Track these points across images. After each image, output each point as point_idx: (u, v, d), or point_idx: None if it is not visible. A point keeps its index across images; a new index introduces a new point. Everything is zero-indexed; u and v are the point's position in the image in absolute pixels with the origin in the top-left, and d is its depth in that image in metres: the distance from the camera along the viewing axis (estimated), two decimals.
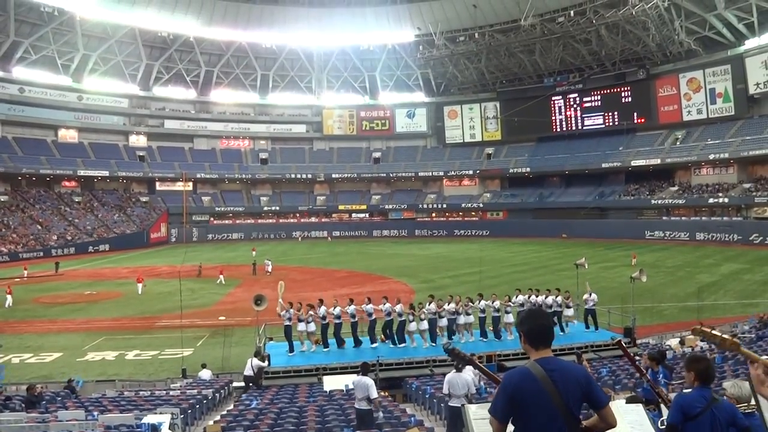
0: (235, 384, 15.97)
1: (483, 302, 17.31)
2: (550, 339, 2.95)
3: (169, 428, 9.71)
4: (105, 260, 50.15)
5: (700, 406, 3.52)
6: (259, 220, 73.27)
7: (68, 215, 62.24)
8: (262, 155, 78.47)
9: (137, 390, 14.65)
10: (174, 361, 18.58)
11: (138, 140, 74.73)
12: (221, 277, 35.53)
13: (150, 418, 9.61)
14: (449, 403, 9.01)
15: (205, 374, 16.09)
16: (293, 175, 75.83)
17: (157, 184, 72.49)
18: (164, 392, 13.92)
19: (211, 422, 10.90)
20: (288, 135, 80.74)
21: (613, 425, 2.92)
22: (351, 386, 13.20)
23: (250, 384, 14.85)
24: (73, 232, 58.82)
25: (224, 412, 11.66)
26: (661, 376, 8.41)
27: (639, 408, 4.96)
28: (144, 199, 70.96)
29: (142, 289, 31.41)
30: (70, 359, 19.31)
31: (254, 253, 46.91)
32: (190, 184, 73.06)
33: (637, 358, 15.99)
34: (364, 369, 10.07)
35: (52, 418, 10.22)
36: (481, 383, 11.67)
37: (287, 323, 16.37)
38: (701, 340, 15.99)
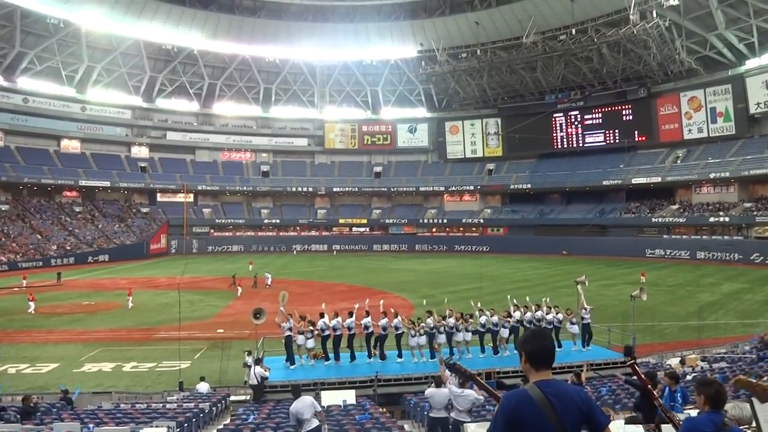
0: (232, 398, 15.88)
1: (483, 317, 17.29)
2: (552, 361, 2.94)
3: None
4: (104, 271, 50.09)
5: (709, 430, 3.49)
6: (260, 233, 73.27)
7: (68, 225, 62.28)
8: (263, 168, 78.67)
9: (134, 402, 14.56)
10: (171, 374, 18.49)
11: (140, 151, 75.00)
12: (239, 288, 35.64)
13: (146, 431, 9.55)
14: (429, 414, 9.19)
15: (203, 387, 16.00)
16: (294, 188, 75.99)
17: (158, 195, 72.63)
18: (161, 405, 13.83)
19: None
20: (289, 148, 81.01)
21: None
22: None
23: (258, 392, 14.81)
24: (72, 242, 58.81)
25: (221, 426, 11.57)
26: (679, 395, 8.28)
27: (638, 429, 4.94)
28: (145, 210, 71.04)
29: (131, 303, 30.56)
30: (66, 370, 19.22)
31: (251, 266, 46.89)
32: (191, 195, 73.13)
33: (635, 377, 15.86)
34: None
35: (48, 429, 10.15)
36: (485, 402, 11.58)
37: (287, 333, 16.33)
38: (746, 394, 15.86)
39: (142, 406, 13.58)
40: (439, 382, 9.46)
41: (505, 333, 17.36)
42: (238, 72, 77.14)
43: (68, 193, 68.06)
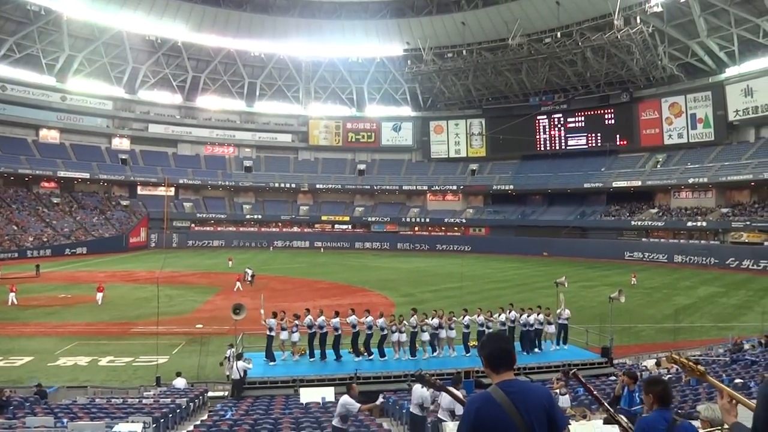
0: (210, 394, 15.77)
1: (467, 317, 17.45)
2: (510, 362, 2.94)
3: None
4: (82, 263, 49.37)
5: (661, 428, 3.54)
6: (241, 228, 72.80)
7: (46, 216, 61.27)
8: (246, 163, 78.16)
9: (109, 397, 14.38)
10: (148, 369, 18.29)
11: (121, 143, 74.03)
12: (238, 283, 35.24)
13: (122, 427, 9.44)
14: (411, 410, 9.51)
15: (180, 383, 15.87)
16: (277, 184, 75.60)
17: (139, 188, 71.78)
18: (137, 400, 13.69)
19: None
20: (273, 144, 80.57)
21: None
22: (327, 400, 13.12)
23: (239, 387, 14.74)
24: (50, 234, 57.87)
25: (198, 422, 11.48)
26: (637, 395, 8.43)
27: (614, 429, 5.00)
28: (125, 202, 70.15)
29: (102, 299, 29.40)
30: (41, 364, 18.91)
31: (230, 263, 46.56)
32: (173, 189, 72.40)
33: (613, 378, 16.14)
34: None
35: (20, 424, 9.99)
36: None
37: (270, 333, 16.37)
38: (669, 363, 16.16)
39: (118, 401, 13.43)
40: (423, 383, 9.46)
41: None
42: (223, 66, 76.46)
43: (46, 184, 66.93)
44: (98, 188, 70.79)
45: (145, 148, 74.61)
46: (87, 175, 67.33)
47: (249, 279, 37.28)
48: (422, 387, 9.48)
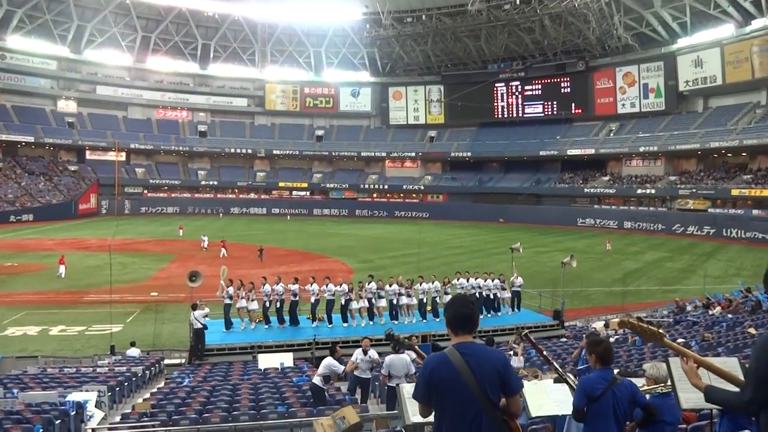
0: (167, 361, 15.65)
1: (425, 284, 17.72)
2: (471, 326, 3.02)
3: (96, 406, 9.41)
4: (29, 231, 47.61)
5: (602, 387, 3.70)
6: (196, 195, 71.43)
7: None
8: (200, 128, 76.22)
9: (62, 367, 14.08)
10: (102, 338, 17.99)
11: (67, 106, 70.90)
12: (223, 250, 34.61)
13: (75, 396, 9.28)
14: (388, 383, 9.18)
15: (134, 353, 15.68)
16: (233, 150, 74.13)
17: (88, 152, 69.19)
18: (91, 369, 13.46)
19: (140, 400, 10.66)
20: (228, 108, 78.65)
21: (517, 414, 3.03)
22: (285, 365, 13.20)
23: (201, 338, 14.67)
24: None
25: (154, 390, 11.41)
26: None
27: (564, 387, 5.19)
28: (73, 168, 67.57)
29: (65, 272, 27.74)
30: None
31: (181, 231, 45.73)
32: (123, 154, 70.22)
33: (564, 339, 16.75)
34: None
35: None
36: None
37: (227, 302, 16.32)
38: (632, 336, 16.85)
39: (71, 371, 13.18)
40: (402, 349, 9.48)
41: (447, 299, 17.91)
42: (175, 25, 73.53)
43: None
44: (44, 153, 67.84)
45: (94, 111, 71.69)
46: (31, 139, 64.37)
47: (204, 246, 36.95)
48: (398, 351, 9.53)
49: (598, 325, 18.52)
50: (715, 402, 2.99)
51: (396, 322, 17.27)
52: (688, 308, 19.51)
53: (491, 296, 18.65)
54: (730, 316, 16.86)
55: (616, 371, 4.14)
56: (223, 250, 34.79)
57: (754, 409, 2.70)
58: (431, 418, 3.05)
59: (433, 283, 17.87)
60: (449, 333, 3.05)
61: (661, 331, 3.29)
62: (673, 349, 3.22)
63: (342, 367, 9.70)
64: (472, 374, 2.84)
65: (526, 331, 4.86)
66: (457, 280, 18.39)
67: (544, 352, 4.87)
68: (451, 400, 2.87)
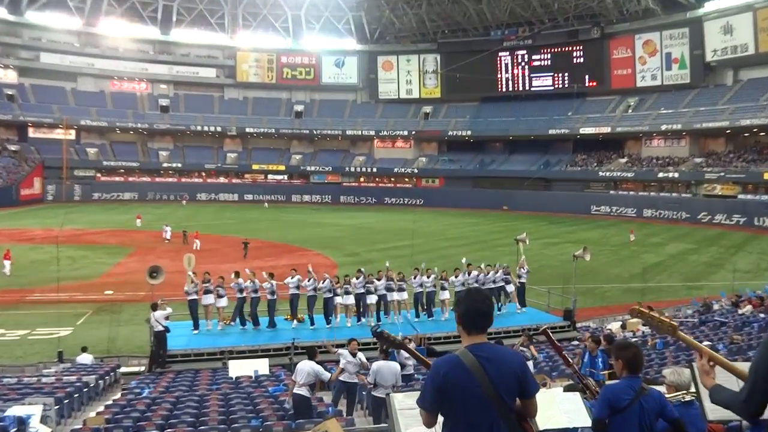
0: (123, 369, 15.58)
1: (420, 278, 17.76)
2: (486, 325, 3.00)
3: (41, 422, 9.32)
4: None
5: (628, 398, 3.68)
6: (157, 179, 71.01)
7: None
8: (162, 102, 75.61)
9: (1, 376, 13.97)
10: (48, 343, 17.88)
11: (6, 75, 69.98)
12: (197, 242, 34.60)
13: (16, 410, 9.17)
14: (373, 393, 9.19)
15: (85, 359, 15.59)
16: (199, 127, 73.58)
17: (30, 130, 68.50)
18: (35, 379, 13.35)
19: (92, 414, 10.59)
20: (194, 79, 78.01)
21: (532, 415, 3.06)
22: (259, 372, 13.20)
23: (163, 343, 14.64)
24: None
25: (109, 402, 11.35)
26: (600, 360, 8.81)
27: (576, 396, 5.21)
28: (13, 147, 66.76)
29: (10, 269, 27.45)
30: None
31: (139, 221, 45.51)
32: (73, 132, 69.70)
33: (576, 342, 16.86)
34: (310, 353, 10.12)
35: None
36: (414, 372, 11.95)
37: (192, 297, 16.21)
38: (643, 324, 16.98)
39: (11, 381, 13.05)
40: (393, 350, 9.52)
41: (445, 295, 18.07)
42: None
43: None
44: None
45: (38, 82, 70.82)
46: None
47: (167, 237, 36.94)
48: (387, 356, 9.57)
49: (615, 326, 18.66)
50: (718, 403, 3.05)
51: (388, 319, 17.35)
52: (715, 307, 19.71)
53: (497, 290, 18.77)
54: (762, 315, 17.01)
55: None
56: (197, 242, 34.80)
57: (751, 410, 2.78)
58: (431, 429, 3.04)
59: (429, 277, 17.92)
60: (460, 332, 3.02)
61: (674, 322, 3.31)
62: (687, 343, 3.27)
63: (329, 375, 9.68)
64: (489, 379, 2.84)
65: (545, 326, 4.87)
66: (456, 277, 18.38)
67: (564, 353, 4.87)
68: (465, 407, 2.87)
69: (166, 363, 14.93)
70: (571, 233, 44.59)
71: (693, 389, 4.00)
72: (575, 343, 16.82)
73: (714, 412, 3.56)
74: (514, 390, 2.93)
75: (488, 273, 18.85)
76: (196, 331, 16.45)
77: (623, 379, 3.84)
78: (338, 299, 17.11)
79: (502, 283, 18.96)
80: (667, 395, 4.39)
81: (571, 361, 4.77)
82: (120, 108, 72.92)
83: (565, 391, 7.11)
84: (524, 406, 3.01)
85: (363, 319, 17.41)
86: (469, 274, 18.55)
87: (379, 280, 17.48)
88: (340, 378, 10.13)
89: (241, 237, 35.25)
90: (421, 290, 17.94)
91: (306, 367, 9.51)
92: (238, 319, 17.01)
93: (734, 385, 3.03)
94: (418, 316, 18.02)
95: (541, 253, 33.13)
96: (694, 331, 15.79)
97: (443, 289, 18.03)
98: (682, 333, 3.28)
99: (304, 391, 9.38)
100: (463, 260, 19.71)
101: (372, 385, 9.31)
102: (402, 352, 10.52)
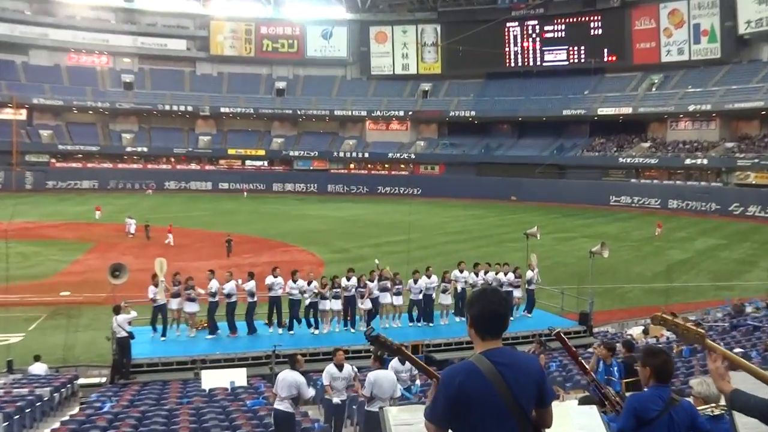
0: (82, 381, 15.55)
1: (421, 281, 17.62)
2: (502, 328, 3.00)
3: None
4: None
5: (657, 408, 3.71)
6: (120, 165, 70.83)
7: None
8: (125, 78, 75.35)
9: None
10: None
11: None
12: (170, 236, 34.71)
13: None
14: (368, 408, 9.16)
15: (38, 369, 15.56)
16: (167, 107, 73.27)
17: None
18: None
19: (47, 431, 10.58)
20: (162, 53, 77.63)
21: (548, 426, 3.07)
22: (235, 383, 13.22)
23: (127, 350, 14.62)
24: None
25: (66, 418, 11.33)
26: (615, 369, 8.87)
27: (593, 410, 5.21)
28: None
29: None
30: None
31: (98, 213, 45.38)
32: (23, 111, 69.47)
33: (591, 350, 16.91)
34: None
35: None
36: (417, 382, 11.94)
37: (160, 302, 16.15)
38: (676, 339, 17.06)
39: None
40: (390, 356, 9.48)
41: (446, 299, 18.03)
42: None
43: None
44: None
45: None
46: None
47: (130, 231, 37.10)
48: (384, 364, 9.55)
49: (636, 331, 18.73)
50: (741, 410, 3.05)
51: (381, 324, 17.34)
52: (748, 309, 19.81)
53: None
54: None
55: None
56: (170, 237, 34.79)
57: None
58: None
59: (430, 277, 17.87)
60: (472, 337, 3.01)
61: (701, 330, 3.31)
62: (714, 351, 3.25)
63: (312, 392, 9.64)
64: (508, 388, 2.84)
65: (558, 329, 4.88)
66: (461, 272, 18.35)
67: (580, 358, 4.87)
68: (481, 420, 2.87)
69: (131, 373, 14.89)
70: (588, 227, 44.70)
71: (723, 402, 4.01)
72: (591, 351, 16.89)
73: (746, 427, 3.57)
74: (534, 398, 2.94)
75: (497, 273, 18.69)
76: (163, 338, 16.41)
77: (651, 388, 3.85)
78: (326, 303, 17.01)
79: (510, 288, 18.64)
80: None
81: (588, 368, 4.77)
82: (77, 85, 72.48)
83: (580, 404, 7.12)
84: (540, 416, 3.01)
85: (353, 325, 17.35)
86: (477, 274, 18.42)
87: (371, 281, 17.39)
88: (327, 398, 10.08)
89: (216, 231, 35.23)
90: (419, 298, 17.78)
91: (288, 378, 9.45)
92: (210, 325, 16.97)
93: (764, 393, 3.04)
94: (411, 321, 17.96)
95: (554, 249, 33.21)
96: (725, 336, 15.88)
97: (444, 291, 17.97)
98: (712, 342, 3.28)
99: (286, 406, 9.34)
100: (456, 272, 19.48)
101: (367, 398, 9.26)
102: (395, 361, 10.55)
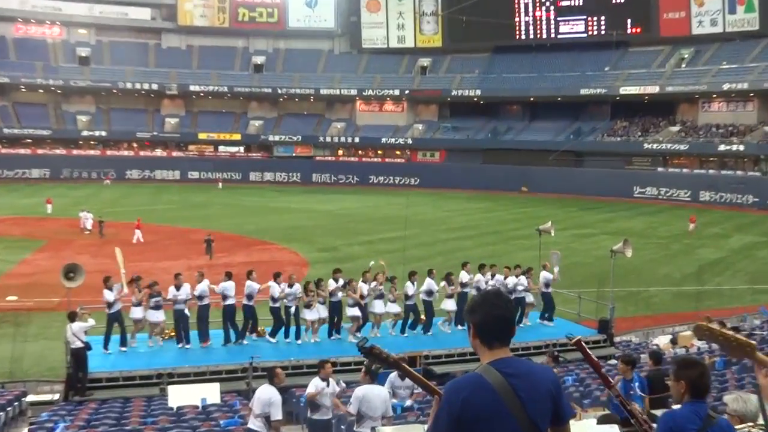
0: (31, 398, 15.51)
1: (413, 286, 17.58)
2: (509, 334, 2.99)
3: None
4: None
5: (694, 427, 3.69)
6: (75, 151, 70.83)
7: None
8: (81, 52, 75.21)
9: None
10: None
11: None
12: (138, 232, 34.70)
13: None
14: (357, 429, 9.16)
15: None
16: (129, 85, 73.08)
17: None
18: None
19: None
20: (123, 23, 77.53)
21: None
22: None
23: (82, 363, 14.57)
24: None
25: None
26: (636, 385, 8.92)
27: (613, 430, 5.25)
28: None
29: None
30: None
31: (50, 207, 45.30)
32: None
33: (613, 361, 16.97)
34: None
35: None
36: (412, 402, 11.94)
37: (110, 310, 15.99)
38: (699, 339, 17.10)
39: None
40: (385, 368, 9.42)
41: (449, 305, 17.99)
42: None
43: None
44: None
45: None
46: None
47: (87, 227, 37.09)
48: (374, 379, 9.54)
49: (663, 340, 18.76)
50: None
51: (372, 333, 17.31)
52: None
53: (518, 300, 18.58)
54: None
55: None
56: (138, 233, 34.75)
57: None
58: None
59: (432, 277, 17.86)
60: (477, 347, 3.01)
61: (753, 342, 3.30)
62: (765, 365, 3.24)
63: (280, 416, 9.60)
64: (520, 402, 2.83)
65: (577, 337, 4.87)
66: (467, 273, 18.34)
67: (602, 370, 4.86)
68: None
69: (87, 389, 14.84)
70: (609, 222, 44.78)
71: (761, 420, 4.02)
72: (612, 362, 16.94)
73: None
74: (549, 414, 2.93)
75: (505, 277, 18.61)
76: (123, 348, 16.32)
77: (686, 405, 3.85)
78: (312, 313, 16.95)
79: (523, 294, 18.60)
80: None
81: (611, 381, 4.76)
82: (26, 59, 72.25)
83: (599, 423, 7.18)
84: None
85: (340, 334, 17.36)
86: (485, 275, 18.38)
87: (363, 282, 17.31)
88: (313, 416, 10.09)
89: (185, 227, 35.13)
90: (413, 302, 17.73)
91: (264, 394, 9.46)
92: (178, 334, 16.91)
93: None
94: (403, 330, 17.87)
95: (570, 247, 33.20)
96: (763, 347, 15.92)
97: (448, 297, 17.92)
98: (761, 355, 3.27)
99: (258, 425, 9.34)
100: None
101: (354, 417, 9.26)
102: (394, 375, 10.56)
